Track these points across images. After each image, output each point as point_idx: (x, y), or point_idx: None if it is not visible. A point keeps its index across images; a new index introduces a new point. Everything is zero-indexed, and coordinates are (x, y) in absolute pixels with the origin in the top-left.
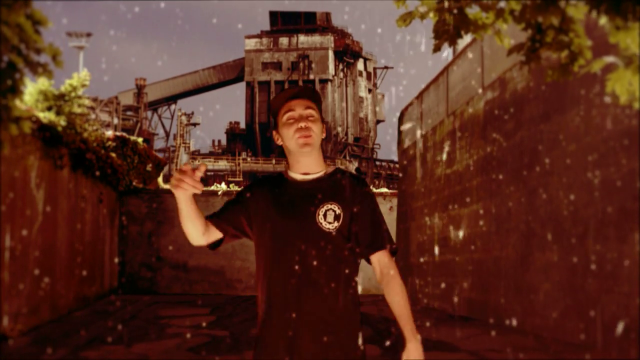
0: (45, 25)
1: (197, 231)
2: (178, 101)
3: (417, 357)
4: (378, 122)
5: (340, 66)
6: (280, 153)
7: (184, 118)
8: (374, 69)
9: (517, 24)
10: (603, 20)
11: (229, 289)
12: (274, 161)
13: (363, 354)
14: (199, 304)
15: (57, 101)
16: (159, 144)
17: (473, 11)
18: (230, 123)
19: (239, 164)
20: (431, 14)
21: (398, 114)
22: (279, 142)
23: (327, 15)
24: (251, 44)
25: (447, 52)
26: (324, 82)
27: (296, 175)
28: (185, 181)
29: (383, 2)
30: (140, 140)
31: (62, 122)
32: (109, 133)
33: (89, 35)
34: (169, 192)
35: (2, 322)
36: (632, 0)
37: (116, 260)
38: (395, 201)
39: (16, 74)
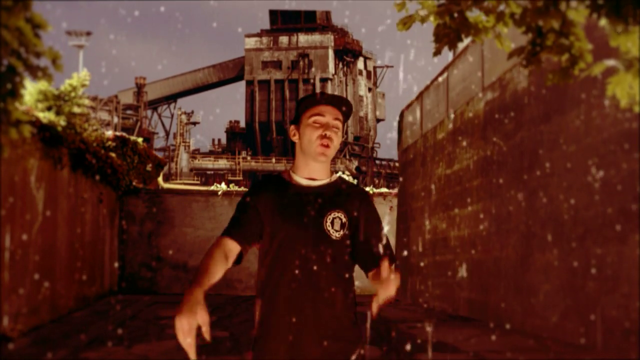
0: (45, 28)
1: (223, 271)
2: (178, 100)
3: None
4: (378, 121)
5: (340, 65)
6: (280, 152)
7: (183, 117)
8: (374, 67)
9: (517, 27)
10: (603, 22)
11: (229, 289)
12: (273, 160)
13: (363, 358)
14: None
15: (56, 101)
16: (158, 143)
17: (473, 14)
18: (230, 122)
19: (238, 163)
20: (431, 18)
21: (399, 113)
22: (294, 138)
23: (327, 14)
24: (251, 42)
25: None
26: (324, 81)
27: (301, 179)
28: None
29: (383, 2)
30: (140, 140)
31: (62, 122)
32: (109, 133)
33: (88, 34)
34: (169, 192)
35: (2, 322)
36: (632, 4)
37: (116, 260)
38: (395, 201)
39: (16, 77)
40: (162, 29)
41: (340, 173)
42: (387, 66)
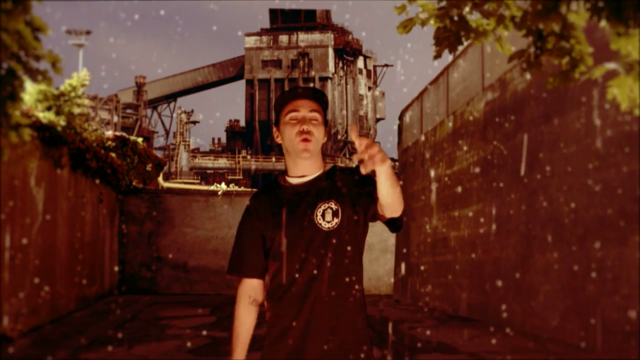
0: (45, 32)
1: (254, 320)
2: (178, 99)
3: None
4: (378, 120)
5: (340, 64)
6: (280, 151)
7: (183, 116)
8: (374, 66)
9: (518, 30)
10: (603, 23)
11: (229, 289)
12: (273, 159)
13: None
14: (199, 305)
15: (56, 101)
16: (158, 142)
17: (474, 18)
18: (230, 121)
19: (238, 162)
20: (432, 21)
21: (399, 112)
22: (278, 140)
23: (327, 12)
24: (251, 41)
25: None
26: (323, 80)
27: (293, 179)
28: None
29: (383, 2)
30: (140, 140)
31: (61, 122)
32: (109, 133)
33: (88, 33)
34: (168, 192)
35: (2, 322)
36: (633, 7)
37: (116, 261)
38: None
39: (16, 81)
40: (162, 30)
41: (330, 165)
42: (387, 65)
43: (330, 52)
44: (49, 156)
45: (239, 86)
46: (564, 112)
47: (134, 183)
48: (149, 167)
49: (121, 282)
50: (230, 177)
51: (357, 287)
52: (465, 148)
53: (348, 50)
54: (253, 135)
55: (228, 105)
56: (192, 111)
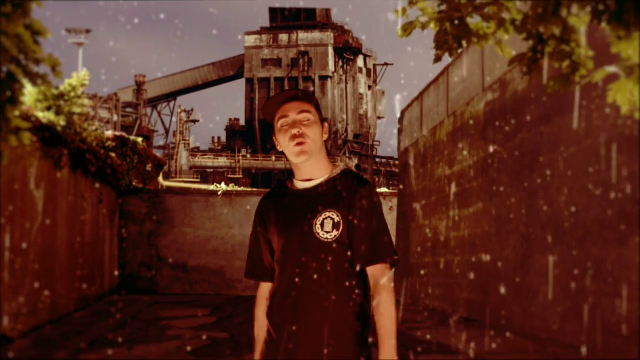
0: (45, 35)
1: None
2: (178, 98)
3: None
4: (378, 118)
5: (340, 63)
6: (280, 150)
7: (183, 115)
8: (374, 65)
9: (518, 34)
10: (604, 25)
11: (229, 289)
12: (273, 158)
13: None
14: (199, 305)
15: (56, 101)
16: (158, 141)
17: (474, 21)
18: (230, 120)
19: (238, 161)
20: (432, 24)
21: (399, 112)
22: (279, 148)
23: (327, 11)
24: (251, 40)
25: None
26: (323, 78)
27: (298, 183)
28: None
29: (384, 2)
30: (140, 140)
31: (61, 122)
32: (109, 133)
33: (88, 31)
34: (168, 192)
35: (2, 322)
36: (634, 10)
37: (116, 261)
38: (395, 201)
39: (15, 84)
40: (162, 30)
41: (342, 165)
42: (387, 64)
43: (330, 51)
44: (48, 156)
45: (239, 85)
46: (564, 113)
47: (134, 183)
48: (149, 167)
49: (121, 282)
50: (230, 176)
51: (357, 291)
52: (465, 148)
53: (349, 48)
54: (253, 134)
55: (228, 104)
56: (192, 110)
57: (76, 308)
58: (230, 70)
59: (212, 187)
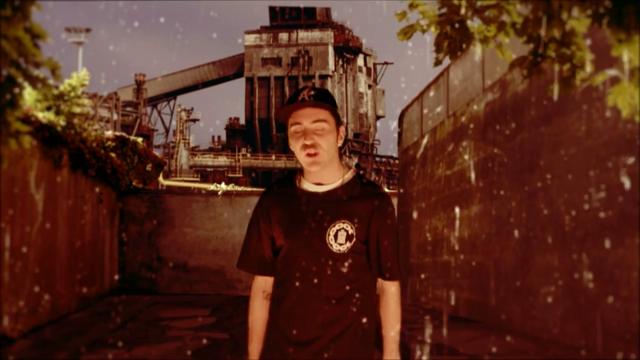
0: (45, 39)
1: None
2: (178, 97)
3: None
4: (378, 117)
5: (340, 62)
6: (280, 149)
7: (183, 114)
8: (374, 64)
9: (518, 37)
10: (604, 25)
11: (229, 289)
12: (273, 157)
13: None
14: (199, 305)
15: (56, 101)
16: (158, 139)
17: (475, 24)
18: (230, 119)
19: (238, 160)
20: (432, 27)
21: (399, 111)
22: (291, 147)
23: (327, 10)
24: (251, 39)
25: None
26: (323, 77)
27: (309, 185)
28: None
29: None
30: (140, 140)
31: (61, 122)
32: (109, 133)
33: (88, 30)
34: (169, 192)
35: (2, 322)
36: (634, 14)
37: (116, 260)
38: (395, 201)
39: (15, 88)
40: (162, 30)
41: (352, 172)
42: (387, 63)
43: (330, 49)
44: (48, 156)
45: (239, 84)
46: (564, 113)
47: (133, 183)
48: (149, 167)
49: (121, 282)
50: (230, 175)
51: (357, 295)
52: (465, 149)
53: (349, 47)
54: (253, 133)
55: (228, 103)
56: (192, 109)
57: (76, 308)
58: (230, 69)
59: (212, 187)
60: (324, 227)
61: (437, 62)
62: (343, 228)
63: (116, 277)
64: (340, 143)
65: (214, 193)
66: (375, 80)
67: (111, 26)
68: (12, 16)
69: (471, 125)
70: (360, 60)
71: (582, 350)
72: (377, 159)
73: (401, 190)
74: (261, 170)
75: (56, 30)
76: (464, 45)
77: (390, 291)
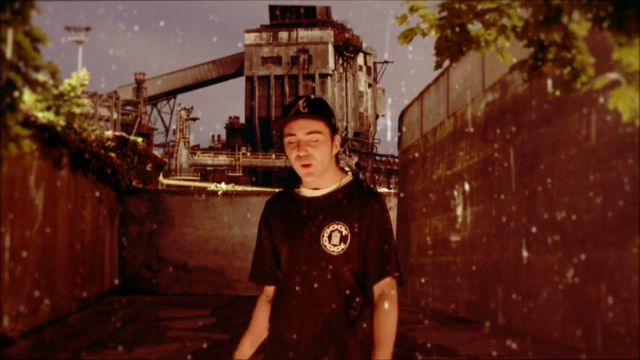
0: (44, 42)
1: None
2: (177, 96)
3: None
4: (378, 116)
5: (340, 60)
6: (280, 148)
7: (183, 113)
8: (374, 63)
9: (519, 40)
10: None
11: (229, 289)
12: (273, 156)
13: None
14: (199, 305)
15: (56, 101)
16: (158, 138)
17: (475, 28)
18: (230, 118)
19: (238, 159)
20: (433, 31)
21: (399, 111)
22: (288, 158)
23: (327, 9)
24: (250, 38)
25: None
26: (323, 76)
27: (306, 190)
28: None
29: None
30: (140, 140)
31: (61, 122)
32: (109, 133)
33: (87, 29)
34: (169, 192)
35: (2, 322)
36: (635, 17)
37: (116, 261)
38: (395, 201)
39: (15, 92)
40: (162, 32)
41: (349, 177)
42: (387, 62)
43: (330, 48)
44: (48, 156)
45: (239, 83)
46: (564, 114)
47: (133, 183)
48: (148, 167)
49: (121, 282)
50: (230, 174)
51: (357, 299)
52: (465, 149)
53: (349, 46)
54: (253, 132)
55: (228, 102)
56: (192, 108)
57: (76, 308)
58: (230, 68)
59: (212, 187)
60: (319, 229)
61: (438, 66)
62: (337, 229)
63: (116, 277)
64: (335, 151)
65: (214, 193)
66: (375, 79)
67: (111, 26)
68: (11, 20)
69: (471, 126)
70: (360, 59)
71: (582, 352)
72: (377, 158)
73: (401, 191)
74: (261, 169)
75: (56, 34)
76: (464, 49)
77: (385, 291)
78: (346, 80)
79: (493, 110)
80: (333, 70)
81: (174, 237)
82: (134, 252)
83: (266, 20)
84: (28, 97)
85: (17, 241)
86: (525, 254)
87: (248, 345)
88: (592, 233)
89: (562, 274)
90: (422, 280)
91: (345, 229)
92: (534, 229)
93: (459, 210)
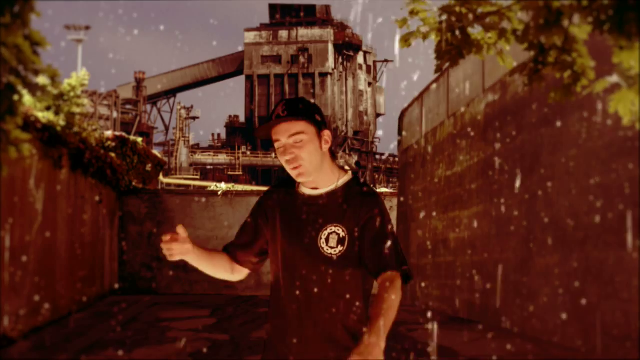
0: (44, 46)
1: (224, 273)
2: (177, 95)
3: (365, 355)
4: (378, 115)
5: (340, 59)
6: None
7: (183, 112)
8: (374, 62)
9: (519, 44)
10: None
11: (229, 289)
12: (273, 155)
13: None
14: (200, 305)
15: (56, 101)
16: (158, 137)
17: (475, 31)
18: (230, 117)
19: (238, 158)
20: (433, 35)
21: (399, 109)
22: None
23: (327, 8)
24: (250, 37)
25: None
26: (323, 75)
27: (306, 189)
28: (173, 249)
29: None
30: (139, 139)
31: (61, 122)
32: (109, 133)
33: (87, 28)
34: (169, 192)
35: (2, 322)
36: (635, 21)
37: (116, 261)
38: (395, 201)
39: (14, 95)
40: (162, 33)
41: (348, 176)
42: (387, 60)
43: (330, 47)
44: (48, 156)
45: (239, 82)
46: (564, 115)
47: (133, 183)
48: (148, 167)
49: (121, 282)
50: (230, 173)
51: (357, 303)
52: (465, 149)
53: (349, 45)
54: (253, 131)
55: (227, 101)
56: (192, 107)
57: (77, 309)
58: (230, 67)
59: (212, 186)
60: (317, 231)
61: (438, 69)
62: (334, 232)
63: (116, 277)
64: (326, 147)
65: (214, 193)
66: (375, 78)
67: (111, 28)
68: (11, 23)
69: (471, 126)
70: (360, 58)
71: (582, 353)
72: (377, 156)
73: (401, 192)
74: (261, 168)
75: (56, 37)
76: (464, 53)
77: (389, 281)
78: (346, 79)
79: (493, 110)
80: (333, 69)
81: None
82: (134, 252)
83: (266, 19)
84: (28, 98)
85: (17, 241)
86: (525, 255)
87: (200, 249)
88: (592, 234)
89: (562, 275)
90: (422, 280)
91: (343, 231)
92: (534, 230)
93: (459, 211)
